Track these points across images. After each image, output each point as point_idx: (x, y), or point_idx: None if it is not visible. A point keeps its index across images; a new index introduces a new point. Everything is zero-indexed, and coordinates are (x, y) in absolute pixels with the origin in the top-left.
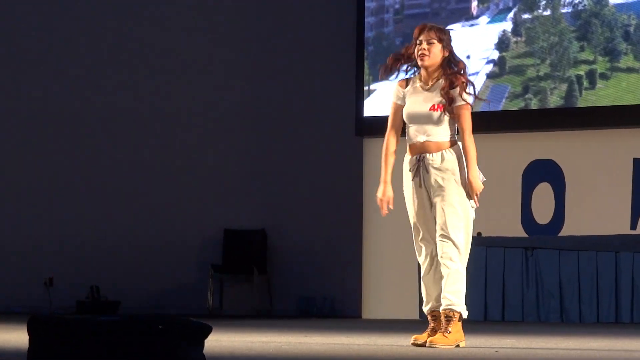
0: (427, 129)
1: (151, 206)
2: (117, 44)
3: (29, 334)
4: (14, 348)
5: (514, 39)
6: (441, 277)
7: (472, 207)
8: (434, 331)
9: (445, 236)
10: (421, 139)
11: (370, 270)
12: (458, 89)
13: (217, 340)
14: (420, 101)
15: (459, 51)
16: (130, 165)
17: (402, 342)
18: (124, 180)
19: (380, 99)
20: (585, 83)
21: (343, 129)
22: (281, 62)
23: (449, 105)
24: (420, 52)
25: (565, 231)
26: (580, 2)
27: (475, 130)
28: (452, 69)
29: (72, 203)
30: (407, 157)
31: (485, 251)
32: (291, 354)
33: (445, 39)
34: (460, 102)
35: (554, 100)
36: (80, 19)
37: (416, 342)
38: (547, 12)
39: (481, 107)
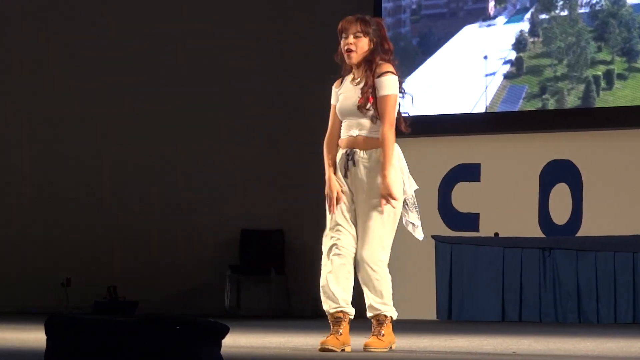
0: (360, 123)
1: (169, 206)
2: (140, 44)
3: (46, 334)
4: (32, 348)
5: (531, 40)
6: (348, 277)
7: (416, 225)
8: (339, 334)
9: (366, 242)
10: (354, 133)
11: (388, 270)
12: (383, 78)
13: (234, 341)
14: (352, 95)
15: (476, 51)
16: (148, 166)
17: (419, 343)
18: (142, 181)
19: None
20: (603, 83)
21: None
22: (299, 63)
23: (368, 98)
24: (346, 47)
25: (582, 232)
26: (597, 3)
27: (493, 130)
28: (378, 58)
29: (89, 203)
30: (339, 151)
31: (502, 252)
32: (308, 355)
33: (371, 31)
34: (382, 92)
35: (572, 101)
36: (97, 18)
37: (324, 346)
38: (565, 13)
39: (498, 108)
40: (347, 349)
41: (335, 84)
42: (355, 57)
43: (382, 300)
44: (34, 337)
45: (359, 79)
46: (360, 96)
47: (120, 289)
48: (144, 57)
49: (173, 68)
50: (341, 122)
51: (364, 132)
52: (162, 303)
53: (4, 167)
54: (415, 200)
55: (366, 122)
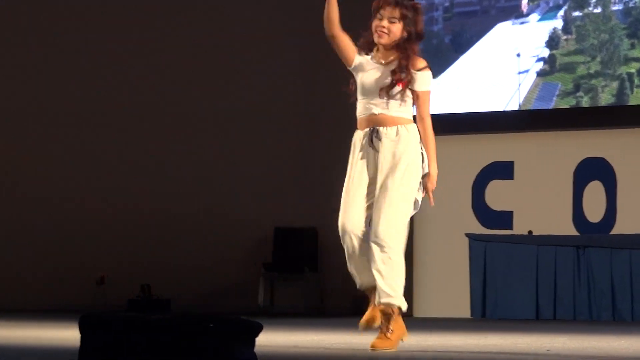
0: (384, 102)
1: (203, 205)
2: (177, 43)
3: (80, 332)
4: (66, 346)
5: (565, 37)
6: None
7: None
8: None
9: (384, 220)
10: (376, 111)
11: (421, 269)
12: (423, 72)
13: (267, 339)
14: (379, 74)
15: (509, 48)
16: (183, 166)
17: (454, 341)
18: (176, 179)
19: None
20: (637, 80)
21: None
22: (331, 62)
23: (409, 85)
24: (378, 29)
25: (617, 229)
26: (631, 0)
27: (527, 128)
28: (410, 48)
29: (124, 202)
30: (357, 132)
31: (536, 250)
32: (342, 353)
33: (409, 18)
34: (424, 88)
35: (605, 98)
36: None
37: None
38: (598, 10)
39: (532, 105)
40: (405, 338)
41: (357, 50)
42: (386, 40)
43: (392, 290)
44: (69, 335)
45: (384, 61)
46: (390, 78)
47: (154, 287)
48: (185, 59)
49: (213, 71)
50: (341, 37)
51: (386, 111)
52: (195, 301)
53: (41, 166)
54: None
55: (392, 102)
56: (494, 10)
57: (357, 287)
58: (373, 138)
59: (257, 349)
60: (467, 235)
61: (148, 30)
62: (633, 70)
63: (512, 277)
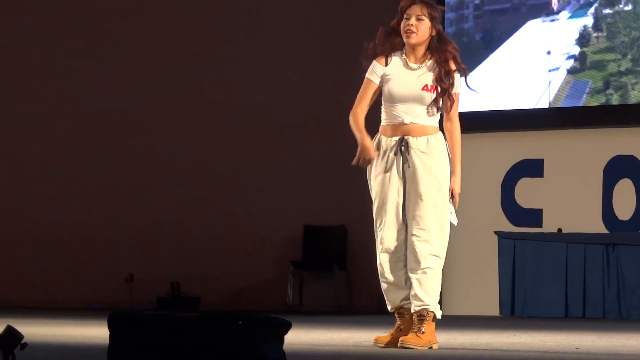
0: (414, 111)
1: (231, 203)
2: (213, 49)
3: (109, 330)
4: (95, 344)
5: (595, 34)
6: (408, 272)
7: (451, 211)
8: (400, 330)
9: (422, 230)
10: (407, 120)
11: (451, 267)
12: (456, 74)
13: (296, 337)
14: (410, 80)
15: (540, 46)
16: (214, 165)
17: (482, 339)
18: (206, 179)
19: (461, 95)
20: None
21: None
22: (358, 59)
23: (446, 90)
24: (407, 28)
25: None
26: None
27: (557, 126)
28: (442, 49)
29: (153, 201)
30: (384, 139)
31: (566, 247)
32: (371, 351)
33: (436, 17)
34: (458, 90)
35: (636, 96)
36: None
37: (377, 343)
38: (629, 7)
39: (562, 103)
40: (435, 346)
41: (379, 60)
42: (415, 39)
43: (428, 296)
44: (98, 332)
45: (418, 65)
46: (428, 83)
47: (183, 285)
48: (224, 66)
49: (244, 71)
50: (373, 100)
51: (417, 120)
52: (224, 299)
53: (72, 165)
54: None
55: (422, 110)
56: (525, 8)
57: (388, 309)
58: (402, 149)
59: (285, 346)
60: (496, 232)
61: (178, 33)
62: None
63: (541, 275)
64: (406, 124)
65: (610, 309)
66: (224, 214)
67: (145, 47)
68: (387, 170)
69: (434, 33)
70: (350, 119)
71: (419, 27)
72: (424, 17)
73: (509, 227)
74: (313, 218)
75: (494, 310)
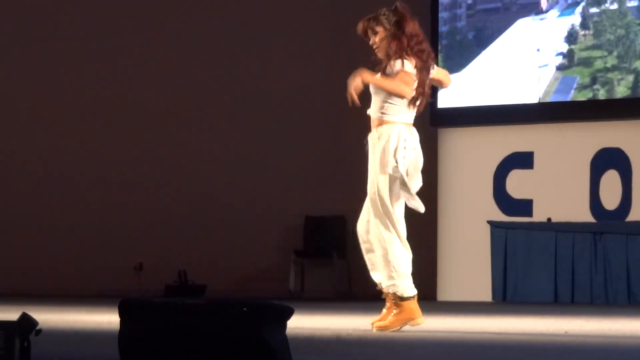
0: (372, 105)
1: (236, 195)
2: (214, 44)
3: (120, 317)
4: (107, 329)
5: (582, 32)
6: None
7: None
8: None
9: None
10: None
11: (445, 255)
12: (392, 61)
13: (298, 322)
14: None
15: (530, 44)
16: (218, 157)
17: (476, 323)
18: (211, 171)
19: (454, 90)
20: None
21: (418, 120)
22: (360, 53)
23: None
24: (373, 47)
25: (632, 216)
26: None
27: (546, 120)
28: (391, 46)
29: (161, 194)
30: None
31: (555, 236)
32: (369, 336)
33: (380, 23)
34: (392, 72)
35: (621, 91)
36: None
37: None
38: (614, 6)
39: (551, 98)
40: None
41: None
42: (381, 52)
43: (390, 277)
44: (109, 319)
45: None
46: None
47: (190, 273)
48: (226, 56)
49: (245, 63)
50: None
51: (370, 113)
52: (229, 286)
53: (82, 158)
54: (402, 176)
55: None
56: (515, 7)
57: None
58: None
59: (287, 331)
60: (488, 222)
61: (185, 29)
62: None
63: (531, 262)
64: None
65: (598, 295)
66: (228, 205)
67: (151, 44)
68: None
69: (388, 36)
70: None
71: (375, 42)
72: (371, 33)
73: (500, 216)
74: (314, 209)
75: (486, 296)
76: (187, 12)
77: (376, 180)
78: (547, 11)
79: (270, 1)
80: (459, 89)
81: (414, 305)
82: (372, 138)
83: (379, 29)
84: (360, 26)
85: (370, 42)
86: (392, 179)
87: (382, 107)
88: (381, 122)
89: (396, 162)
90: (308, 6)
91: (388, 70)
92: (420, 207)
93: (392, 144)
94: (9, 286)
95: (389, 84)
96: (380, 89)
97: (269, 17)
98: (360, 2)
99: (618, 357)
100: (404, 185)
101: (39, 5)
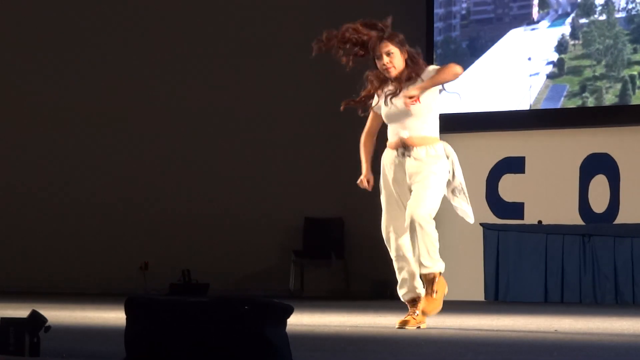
0: (408, 126)
1: (238, 197)
2: (215, 46)
3: (126, 314)
4: (113, 326)
5: (572, 42)
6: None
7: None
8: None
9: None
10: (404, 134)
11: (440, 256)
12: (427, 69)
13: (298, 320)
14: (395, 103)
15: (521, 53)
16: (220, 159)
17: (468, 322)
18: (214, 175)
19: (450, 97)
20: (639, 82)
21: None
22: (359, 60)
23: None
24: (383, 68)
25: (619, 219)
26: (633, 8)
27: (537, 126)
28: (416, 68)
29: (167, 196)
30: (387, 152)
31: (545, 238)
32: (366, 333)
33: (401, 41)
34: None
35: (609, 99)
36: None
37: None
38: (603, 17)
39: (541, 105)
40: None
41: (376, 92)
42: (395, 72)
43: (429, 257)
44: (115, 316)
45: (401, 87)
46: (412, 100)
47: (193, 272)
48: (224, 58)
49: (245, 69)
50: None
51: (413, 132)
52: (231, 285)
53: (88, 159)
54: (462, 188)
55: (412, 122)
56: (507, 18)
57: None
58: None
59: (288, 329)
60: (481, 224)
61: (194, 34)
62: (635, 73)
63: (522, 263)
64: (405, 138)
65: (587, 294)
66: (231, 208)
67: (152, 47)
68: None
69: (406, 56)
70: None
71: (393, 62)
72: (392, 51)
73: (493, 219)
74: (313, 211)
75: (479, 295)
76: (189, 17)
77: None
78: (538, 22)
79: (270, 5)
80: (453, 96)
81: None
82: (423, 155)
83: (395, 49)
84: (380, 42)
85: (384, 62)
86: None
87: (427, 123)
88: (434, 140)
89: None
90: (308, 8)
91: (419, 81)
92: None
93: (455, 161)
94: (19, 284)
95: (441, 75)
96: (438, 83)
97: (269, 20)
98: (358, 5)
99: (606, 354)
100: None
101: (41, 6)
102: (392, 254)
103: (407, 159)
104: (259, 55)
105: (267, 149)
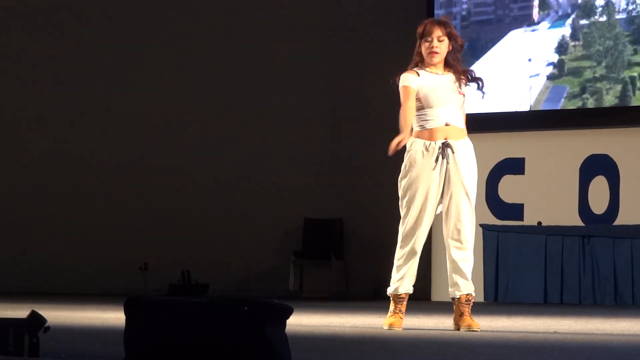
0: (452, 114)
1: (238, 197)
2: (214, 46)
3: (125, 314)
4: (113, 326)
5: (572, 43)
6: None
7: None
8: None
9: (462, 224)
10: (450, 121)
11: (439, 257)
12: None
13: (297, 320)
14: (442, 87)
15: (522, 54)
16: (221, 160)
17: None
18: (214, 176)
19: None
20: (639, 83)
21: None
22: (359, 59)
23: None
24: (430, 50)
25: (619, 220)
26: (634, 9)
27: (537, 127)
28: (456, 59)
29: (167, 197)
30: (422, 142)
31: (545, 239)
32: (366, 333)
33: (453, 34)
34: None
35: (609, 100)
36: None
37: (392, 327)
38: (603, 18)
39: (541, 106)
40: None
41: (411, 72)
42: (438, 58)
43: (469, 281)
44: (115, 316)
45: (441, 74)
46: (458, 89)
47: (193, 273)
48: (225, 59)
49: (246, 70)
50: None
51: (457, 123)
52: (231, 286)
53: (89, 160)
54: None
55: (458, 112)
56: (508, 19)
57: (396, 292)
58: (446, 152)
59: (287, 329)
60: (481, 225)
61: (195, 33)
62: (635, 74)
63: (522, 264)
64: (446, 126)
65: (586, 296)
66: (231, 208)
67: (152, 48)
68: (427, 171)
69: (450, 49)
70: (404, 117)
71: (441, 48)
72: (444, 38)
73: (493, 220)
74: (313, 212)
75: (479, 296)
76: (188, 18)
77: (475, 189)
78: (538, 23)
79: (272, 7)
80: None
81: None
82: (461, 148)
83: (445, 38)
84: (434, 27)
85: (434, 45)
86: None
87: (462, 118)
88: (465, 134)
89: None
90: (308, 10)
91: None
92: None
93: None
94: (19, 285)
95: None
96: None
97: (270, 22)
98: (357, 8)
99: (605, 355)
100: None
101: (43, 7)
102: (405, 249)
103: (449, 152)
104: (258, 56)
105: (267, 150)
